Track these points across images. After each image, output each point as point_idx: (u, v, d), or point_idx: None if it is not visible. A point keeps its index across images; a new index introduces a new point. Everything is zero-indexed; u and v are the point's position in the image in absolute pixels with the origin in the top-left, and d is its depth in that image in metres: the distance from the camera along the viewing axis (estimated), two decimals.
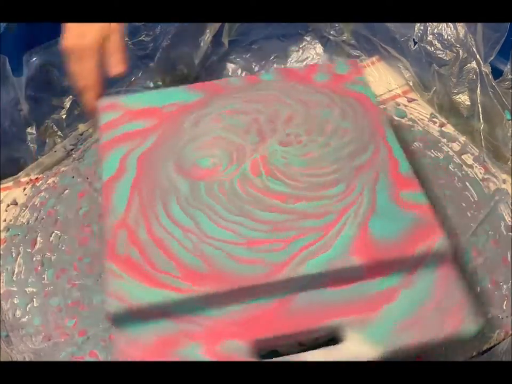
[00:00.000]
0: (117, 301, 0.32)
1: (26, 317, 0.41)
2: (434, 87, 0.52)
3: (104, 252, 0.34)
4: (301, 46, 0.60)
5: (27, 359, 0.38)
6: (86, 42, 0.41)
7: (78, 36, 0.42)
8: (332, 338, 0.33)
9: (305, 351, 0.32)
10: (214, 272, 0.33)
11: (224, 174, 0.37)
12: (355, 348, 0.32)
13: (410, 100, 0.53)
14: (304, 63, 0.60)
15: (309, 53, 0.60)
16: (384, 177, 0.37)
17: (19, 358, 0.39)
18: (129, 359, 0.31)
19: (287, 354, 0.32)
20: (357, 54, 0.58)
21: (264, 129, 0.40)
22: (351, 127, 0.40)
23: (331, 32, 0.58)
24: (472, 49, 0.48)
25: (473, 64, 0.48)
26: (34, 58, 0.52)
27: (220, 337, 0.32)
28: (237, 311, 0.33)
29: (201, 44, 0.56)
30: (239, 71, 0.60)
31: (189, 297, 0.32)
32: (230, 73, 0.59)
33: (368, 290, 0.33)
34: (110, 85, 0.56)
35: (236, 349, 0.32)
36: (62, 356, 0.38)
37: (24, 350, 0.39)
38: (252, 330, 0.32)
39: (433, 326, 0.32)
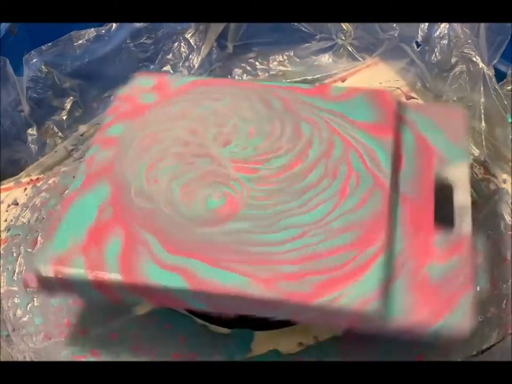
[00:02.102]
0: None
1: (27, 316, 0.41)
2: (436, 89, 0.52)
3: None
4: (308, 51, 0.60)
5: (28, 359, 0.38)
6: None
7: None
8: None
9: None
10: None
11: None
12: None
13: (409, 98, 0.53)
14: (311, 67, 0.60)
15: (316, 57, 0.60)
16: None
17: (20, 357, 0.39)
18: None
19: None
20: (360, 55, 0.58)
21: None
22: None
23: (338, 35, 0.58)
24: (475, 52, 0.48)
25: (476, 66, 0.48)
26: (35, 59, 0.52)
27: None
28: None
29: (204, 47, 0.57)
30: (244, 76, 0.60)
31: None
32: (234, 77, 0.60)
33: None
34: (110, 86, 0.57)
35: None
36: (63, 355, 0.39)
37: (24, 349, 0.39)
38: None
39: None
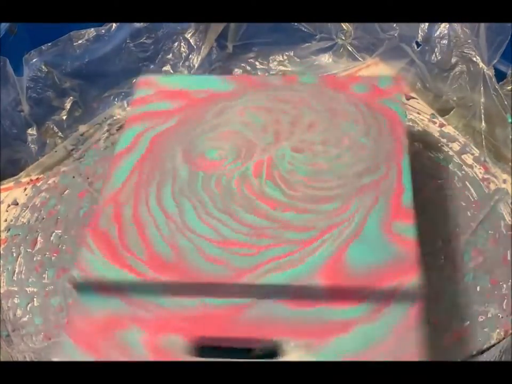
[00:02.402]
0: (79, 271, 0.32)
1: (27, 316, 0.41)
2: (436, 89, 0.52)
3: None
4: (308, 51, 0.60)
5: (28, 359, 0.38)
6: None
7: None
8: (272, 353, 0.31)
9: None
10: (178, 264, 0.33)
11: (227, 169, 0.37)
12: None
13: (409, 98, 0.53)
14: (311, 67, 0.60)
15: (316, 57, 0.60)
16: (382, 203, 0.35)
17: (20, 357, 0.39)
18: (76, 328, 0.32)
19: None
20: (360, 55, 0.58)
21: (281, 131, 0.39)
22: (370, 144, 0.38)
23: (338, 35, 0.58)
24: (476, 52, 0.48)
25: (476, 66, 0.48)
26: (35, 59, 0.52)
27: (164, 328, 0.32)
28: (190, 307, 0.32)
29: (204, 47, 0.57)
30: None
31: (144, 282, 0.32)
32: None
33: (325, 316, 0.31)
34: (110, 86, 0.57)
35: (176, 344, 0.31)
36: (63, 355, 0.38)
37: (24, 349, 0.39)
38: (198, 328, 0.31)
39: None
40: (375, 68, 0.56)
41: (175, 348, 0.31)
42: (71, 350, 0.31)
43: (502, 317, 0.39)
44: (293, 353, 0.31)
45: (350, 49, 0.58)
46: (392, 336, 0.30)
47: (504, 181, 0.46)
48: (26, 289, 0.42)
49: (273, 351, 0.31)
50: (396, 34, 0.53)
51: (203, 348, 0.32)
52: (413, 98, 0.53)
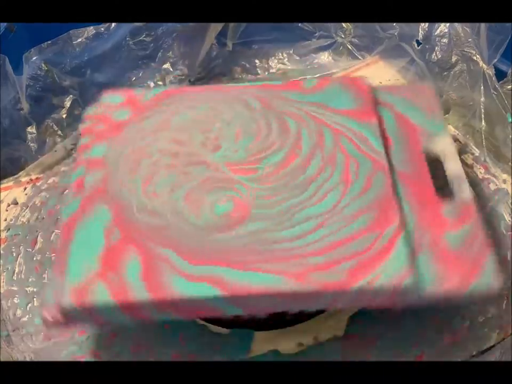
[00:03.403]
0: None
1: (27, 316, 0.41)
2: (436, 87, 0.52)
3: None
4: (307, 49, 0.60)
5: (27, 359, 0.38)
6: None
7: None
8: None
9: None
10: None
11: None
12: None
13: None
14: (310, 66, 0.60)
15: (316, 55, 0.60)
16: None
17: (19, 357, 0.39)
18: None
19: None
20: (360, 54, 0.58)
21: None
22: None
23: (338, 33, 0.58)
24: (476, 51, 0.48)
25: (477, 65, 0.48)
26: (34, 58, 0.52)
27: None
28: None
29: (204, 45, 0.56)
30: (244, 74, 0.60)
31: None
32: (234, 76, 0.59)
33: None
34: (110, 84, 0.56)
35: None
36: (63, 355, 0.39)
37: (24, 349, 0.39)
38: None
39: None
40: (375, 67, 0.56)
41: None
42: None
43: (502, 317, 0.39)
44: None
45: (349, 47, 0.58)
46: None
47: (504, 181, 0.46)
48: (26, 289, 0.42)
49: None
50: (396, 33, 0.53)
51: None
52: None
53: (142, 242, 0.33)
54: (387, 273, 0.31)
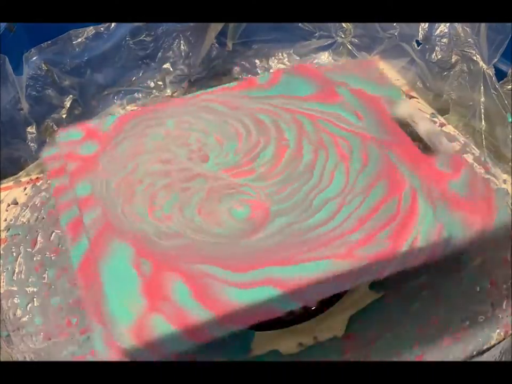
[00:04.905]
0: None
1: (27, 316, 0.40)
2: (437, 88, 0.52)
3: None
4: (307, 49, 0.60)
5: (28, 359, 0.38)
6: None
7: None
8: None
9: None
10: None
11: None
12: None
13: (410, 97, 0.53)
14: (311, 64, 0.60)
15: (316, 55, 0.60)
16: None
17: (20, 357, 0.39)
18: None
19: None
20: (360, 54, 0.58)
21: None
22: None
23: (338, 33, 0.58)
24: (476, 51, 0.48)
25: (477, 65, 0.48)
26: (34, 58, 0.52)
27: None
28: None
29: (204, 45, 0.56)
30: (243, 73, 0.60)
31: None
32: (234, 75, 0.60)
33: None
34: (109, 84, 0.56)
35: None
36: (63, 355, 0.39)
37: (24, 349, 0.39)
38: None
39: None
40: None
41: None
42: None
43: (502, 317, 0.39)
44: None
45: (349, 47, 0.58)
46: None
47: (504, 181, 0.46)
48: (26, 289, 0.42)
49: None
50: (396, 33, 0.53)
51: None
52: (413, 97, 0.53)
53: (178, 265, 0.32)
54: (423, 231, 0.32)
